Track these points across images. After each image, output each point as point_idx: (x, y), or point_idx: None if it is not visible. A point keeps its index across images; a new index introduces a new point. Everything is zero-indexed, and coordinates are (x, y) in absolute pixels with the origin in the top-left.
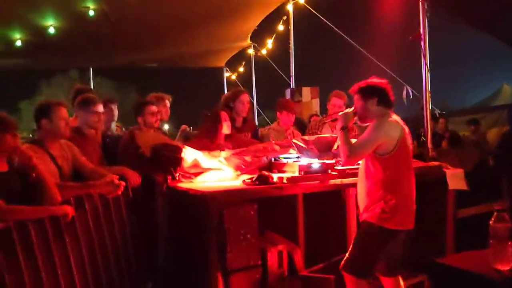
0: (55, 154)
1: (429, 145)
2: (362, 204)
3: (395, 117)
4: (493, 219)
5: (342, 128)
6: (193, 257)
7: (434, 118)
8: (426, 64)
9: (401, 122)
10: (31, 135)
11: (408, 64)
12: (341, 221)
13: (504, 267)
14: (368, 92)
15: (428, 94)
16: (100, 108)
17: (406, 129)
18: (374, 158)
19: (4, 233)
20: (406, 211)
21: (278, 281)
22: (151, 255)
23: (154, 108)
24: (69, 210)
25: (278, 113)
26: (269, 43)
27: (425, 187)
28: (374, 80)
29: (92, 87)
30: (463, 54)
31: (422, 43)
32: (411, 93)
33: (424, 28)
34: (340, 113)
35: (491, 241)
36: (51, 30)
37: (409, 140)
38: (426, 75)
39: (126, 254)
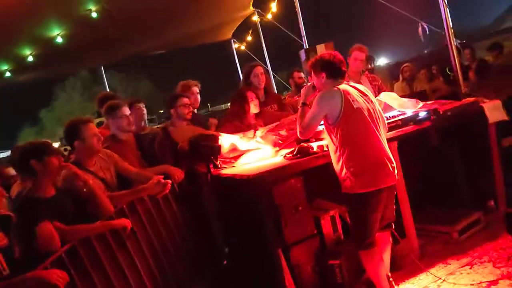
0: (94, 169)
1: (461, 81)
2: (337, 174)
3: (343, 85)
4: None
5: (302, 104)
6: (250, 238)
7: (459, 51)
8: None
9: (350, 88)
10: (59, 143)
11: None
12: None
13: None
14: (316, 68)
15: (451, 30)
16: (127, 110)
17: (356, 91)
18: (328, 129)
19: (71, 252)
20: (372, 173)
21: (336, 245)
22: (209, 242)
23: (186, 100)
24: (127, 222)
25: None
26: (274, 6)
27: (465, 125)
28: (324, 54)
29: (106, 83)
30: None
31: None
32: (427, 29)
33: None
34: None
35: None
36: (59, 39)
37: (359, 101)
38: (445, 11)
39: (185, 245)
